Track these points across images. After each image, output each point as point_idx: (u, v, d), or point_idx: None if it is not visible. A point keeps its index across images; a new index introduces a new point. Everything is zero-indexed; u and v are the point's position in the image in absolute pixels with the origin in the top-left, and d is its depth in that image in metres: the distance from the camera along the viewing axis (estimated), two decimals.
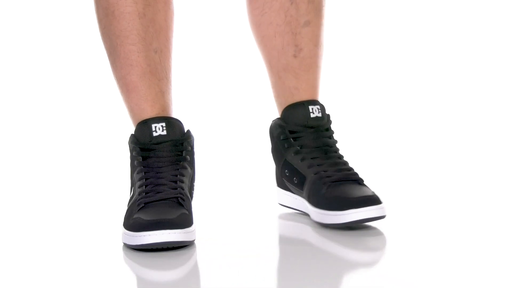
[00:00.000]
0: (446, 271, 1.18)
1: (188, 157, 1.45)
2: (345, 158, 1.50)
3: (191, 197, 1.44)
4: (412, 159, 2.25)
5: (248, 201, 1.73)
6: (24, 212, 1.71)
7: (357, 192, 1.40)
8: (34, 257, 1.34)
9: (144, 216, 1.35)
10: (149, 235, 1.32)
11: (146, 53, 1.46)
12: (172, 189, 1.40)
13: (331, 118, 1.51)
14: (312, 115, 1.47)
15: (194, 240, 1.36)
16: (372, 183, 1.48)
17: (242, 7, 1.57)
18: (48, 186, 2.01)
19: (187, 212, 1.36)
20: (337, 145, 1.50)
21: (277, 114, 1.55)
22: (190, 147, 1.46)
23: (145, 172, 1.42)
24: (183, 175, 1.43)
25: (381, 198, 1.40)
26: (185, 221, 1.34)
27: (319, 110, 1.48)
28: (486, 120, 2.67)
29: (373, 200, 1.38)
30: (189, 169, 1.44)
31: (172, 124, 1.45)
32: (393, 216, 1.47)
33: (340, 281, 1.19)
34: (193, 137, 1.48)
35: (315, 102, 1.49)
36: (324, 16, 1.52)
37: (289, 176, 1.49)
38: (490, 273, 1.19)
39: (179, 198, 1.39)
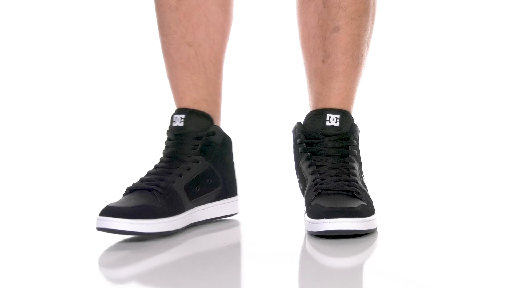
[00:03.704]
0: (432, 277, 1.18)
1: (205, 151, 1.48)
2: (364, 170, 1.48)
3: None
4: (411, 162, 2.25)
5: (249, 201, 1.73)
6: (24, 212, 1.71)
7: (339, 203, 1.36)
8: (34, 257, 1.34)
9: None
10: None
11: (177, 46, 1.51)
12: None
13: (357, 128, 1.47)
14: (327, 123, 1.45)
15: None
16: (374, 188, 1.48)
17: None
18: (48, 186, 2.01)
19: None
20: (357, 156, 1.46)
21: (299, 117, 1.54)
22: (209, 143, 1.48)
23: (159, 161, 1.47)
24: (188, 169, 1.45)
25: (369, 212, 1.36)
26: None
27: (337, 119, 1.45)
28: (487, 122, 2.67)
29: (353, 212, 1.33)
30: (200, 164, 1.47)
31: (193, 117, 1.48)
32: (389, 222, 1.48)
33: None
34: (218, 133, 1.49)
35: (335, 111, 1.45)
36: (362, 27, 1.46)
37: (298, 181, 1.49)
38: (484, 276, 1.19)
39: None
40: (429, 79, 2.89)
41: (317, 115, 1.46)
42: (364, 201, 1.38)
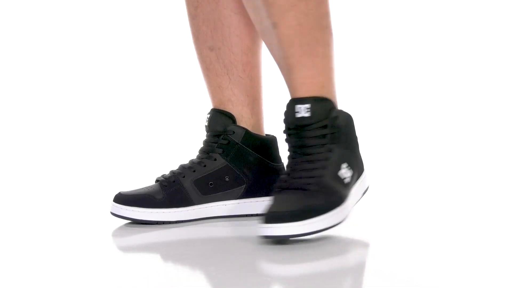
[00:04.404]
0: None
1: (223, 149, 1.55)
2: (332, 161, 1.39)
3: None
4: (406, 160, 2.25)
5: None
6: (23, 212, 1.73)
7: (280, 205, 1.32)
8: (32, 258, 1.35)
9: None
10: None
11: (200, 51, 1.59)
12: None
13: (342, 113, 1.41)
14: (297, 115, 1.39)
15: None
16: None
17: None
18: (47, 186, 2.02)
19: None
20: (342, 144, 1.39)
21: None
22: (227, 141, 1.55)
23: None
24: (204, 166, 1.54)
25: (314, 213, 1.31)
26: None
27: (308, 109, 1.39)
28: (483, 120, 2.67)
29: (287, 217, 1.30)
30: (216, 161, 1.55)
31: (215, 116, 1.56)
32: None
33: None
34: (237, 132, 1.55)
35: (304, 101, 1.39)
36: (301, 15, 1.39)
37: None
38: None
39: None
40: (424, 79, 2.89)
41: (289, 106, 1.42)
42: (318, 199, 1.33)
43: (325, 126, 1.40)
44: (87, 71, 2.97)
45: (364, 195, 1.45)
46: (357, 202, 1.43)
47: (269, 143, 1.57)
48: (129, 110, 2.89)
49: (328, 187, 1.36)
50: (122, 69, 2.98)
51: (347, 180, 1.39)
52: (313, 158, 1.38)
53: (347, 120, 1.42)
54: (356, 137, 1.44)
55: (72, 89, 2.94)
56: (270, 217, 1.30)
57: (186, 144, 2.00)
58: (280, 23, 1.39)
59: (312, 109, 1.39)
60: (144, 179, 1.69)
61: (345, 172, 1.39)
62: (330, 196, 1.35)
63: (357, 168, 1.42)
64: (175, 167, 1.57)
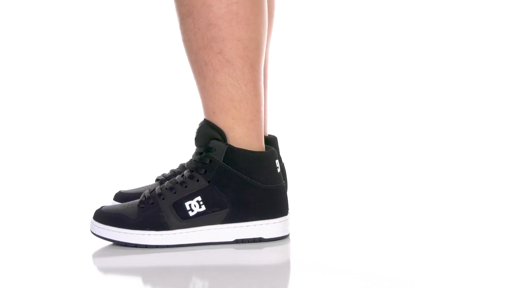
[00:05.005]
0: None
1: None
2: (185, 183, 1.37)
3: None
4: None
5: None
6: (23, 212, 1.71)
7: (112, 207, 1.39)
8: (30, 259, 1.35)
9: None
10: None
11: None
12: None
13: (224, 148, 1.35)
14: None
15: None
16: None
17: None
18: (47, 186, 2.02)
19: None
20: (202, 175, 1.35)
21: None
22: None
23: None
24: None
25: (109, 222, 1.36)
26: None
27: (196, 131, 1.38)
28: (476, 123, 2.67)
29: (99, 217, 1.38)
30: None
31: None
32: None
33: None
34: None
35: (201, 122, 1.39)
36: (189, 31, 1.35)
37: None
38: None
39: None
40: (417, 81, 2.89)
41: None
42: (135, 213, 1.36)
43: (201, 153, 1.38)
44: (87, 69, 2.97)
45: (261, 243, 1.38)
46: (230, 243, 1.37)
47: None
48: (131, 107, 2.89)
49: (157, 209, 1.36)
50: (123, 68, 2.97)
51: (192, 213, 1.36)
52: (179, 179, 1.37)
53: (231, 157, 1.35)
54: (249, 180, 1.36)
55: (73, 88, 2.94)
56: (96, 213, 1.38)
57: (186, 142, 2.00)
58: (180, 33, 1.38)
59: (197, 132, 1.38)
60: (145, 177, 1.68)
61: (194, 205, 1.36)
62: (149, 217, 1.36)
63: (234, 209, 1.36)
64: (175, 165, 1.56)
